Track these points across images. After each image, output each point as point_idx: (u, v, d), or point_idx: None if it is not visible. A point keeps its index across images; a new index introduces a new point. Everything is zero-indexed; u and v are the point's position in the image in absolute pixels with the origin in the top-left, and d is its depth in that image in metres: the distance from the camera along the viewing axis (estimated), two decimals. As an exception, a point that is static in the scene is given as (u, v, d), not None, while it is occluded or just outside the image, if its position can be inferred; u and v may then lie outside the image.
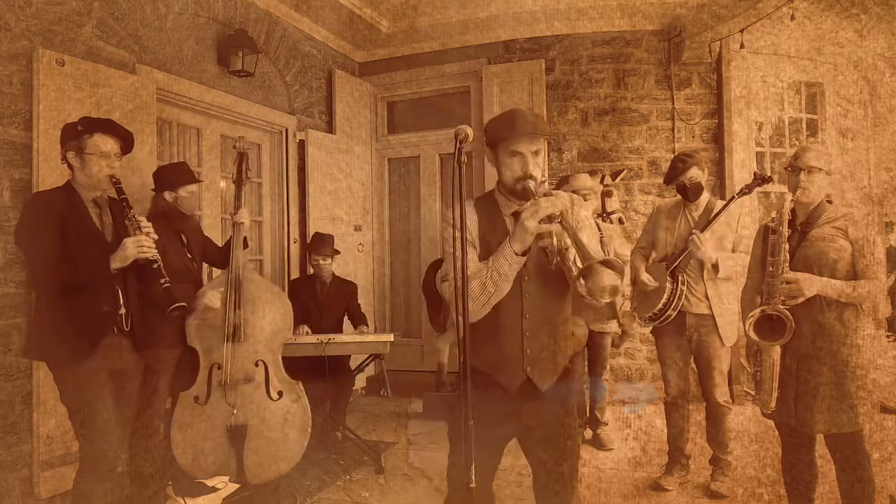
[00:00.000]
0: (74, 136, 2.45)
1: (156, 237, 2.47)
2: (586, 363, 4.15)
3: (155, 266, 2.43)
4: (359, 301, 4.43)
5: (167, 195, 3.15)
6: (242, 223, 3.19)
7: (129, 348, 2.55)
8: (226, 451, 3.03)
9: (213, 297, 3.05)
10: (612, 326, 3.95)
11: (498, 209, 1.90)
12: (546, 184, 1.81)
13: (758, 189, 3.28)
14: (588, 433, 4.10)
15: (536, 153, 1.81)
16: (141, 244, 2.39)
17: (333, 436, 4.00)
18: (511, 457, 3.13)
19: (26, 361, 2.99)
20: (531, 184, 1.78)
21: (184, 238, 3.17)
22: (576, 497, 1.98)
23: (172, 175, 3.19)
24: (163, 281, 2.43)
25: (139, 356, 2.62)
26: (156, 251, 2.43)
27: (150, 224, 2.48)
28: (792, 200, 2.40)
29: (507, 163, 1.83)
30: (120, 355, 2.52)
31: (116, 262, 2.38)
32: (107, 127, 2.50)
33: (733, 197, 3.21)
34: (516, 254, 1.72)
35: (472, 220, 1.88)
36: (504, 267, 1.75)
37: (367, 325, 4.25)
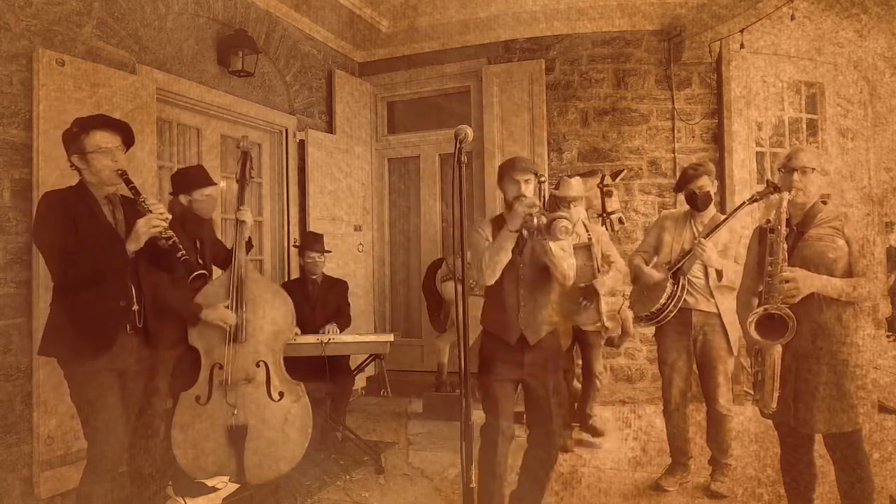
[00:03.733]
0: (73, 139, 2.45)
1: (169, 216, 2.46)
2: (580, 363, 4.14)
3: (170, 243, 2.42)
4: (349, 301, 4.39)
5: (182, 198, 3.15)
6: (245, 221, 3.18)
7: (137, 348, 2.55)
8: (226, 451, 3.03)
9: (226, 315, 3.05)
10: (600, 326, 3.93)
11: (504, 222, 2.65)
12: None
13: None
14: (576, 432, 4.09)
15: (527, 181, 2.70)
16: (151, 222, 2.38)
17: (333, 436, 4.00)
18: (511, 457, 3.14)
19: (26, 361, 2.99)
20: (523, 199, 2.63)
21: (198, 243, 3.17)
22: (561, 416, 2.82)
23: (188, 178, 3.20)
24: (180, 254, 2.43)
25: (147, 356, 2.62)
26: (167, 227, 2.42)
27: (160, 204, 2.47)
28: (788, 200, 2.40)
29: (509, 187, 2.71)
30: (129, 355, 2.52)
31: (132, 245, 2.39)
32: (100, 123, 2.49)
33: (743, 203, 3.18)
34: (510, 230, 2.52)
35: (488, 230, 2.76)
36: (502, 240, 2.57)
37: (343, 325, 4.15)
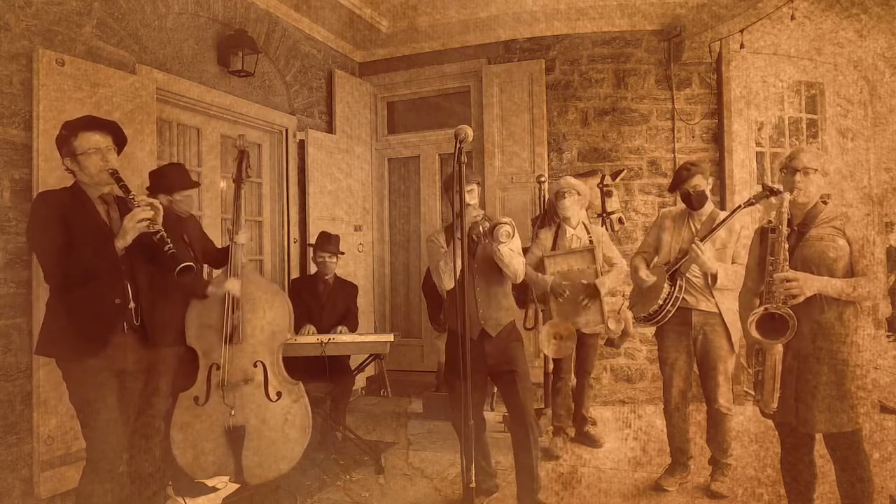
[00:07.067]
0: (63, 142, 2.45)
1: (159, 207, 2.44)
2: (573, 363, 4.13)
3: (157, 237, 2.39)
4: (357, 305, 4.41)
5: (162, 199, 3.11)
6: (242, 245, 3.16)
7: (135, 347, 2.55)
8: (225, 452, 3.03)
9: (233, 285, 3.05)
10: (601, 328, 3.93)
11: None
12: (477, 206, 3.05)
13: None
14: (571, 431, 4.09)
15: (471, 191, 2.98)
16: (137, 217, 2.36)
17: (333, 436, 4.00)
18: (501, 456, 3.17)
19: (26, 361, 2.99)
20: (469, 208, 2.87)
21: (186, 238, 3.16)
22: (529, 396, 3.04)
23: (170, 178, 3.14)
24: (167, 248, 2.40)
25: (145, 355, 2.62)
26: (151, 220, 2.39)
27: (151, 200, 2.45)
28: (788, 200, 2.40)
29: (455, 198, 2.76)
30: (126, 355, 2.52)
31: (120, 241, 2.38)
32: (88, 124, 2.48)
33: (740, 206, 3.15)
34: (458, 238, 2.61)
35: (442, 238, 3.04)
36: (455, 248, 2.67)
37: (352, 328, 4.15)
